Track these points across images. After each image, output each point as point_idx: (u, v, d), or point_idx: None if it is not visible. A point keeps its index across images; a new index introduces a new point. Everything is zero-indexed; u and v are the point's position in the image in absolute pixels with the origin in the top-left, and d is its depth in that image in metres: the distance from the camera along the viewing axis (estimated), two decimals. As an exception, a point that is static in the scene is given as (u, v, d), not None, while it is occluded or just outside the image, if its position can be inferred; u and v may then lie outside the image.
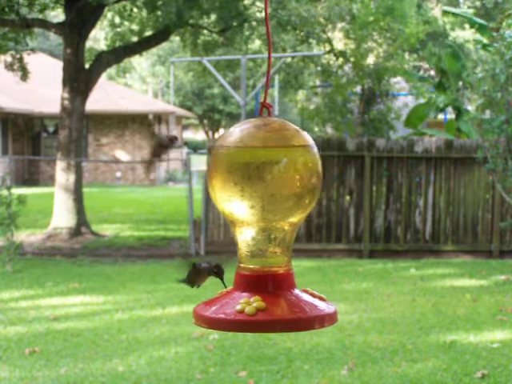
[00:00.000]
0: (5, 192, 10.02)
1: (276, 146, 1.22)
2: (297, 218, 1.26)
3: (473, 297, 8.23)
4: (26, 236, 13.05)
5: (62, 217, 12.95)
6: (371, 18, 15.50)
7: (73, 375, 5.51)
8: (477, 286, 8.97)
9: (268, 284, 1.27)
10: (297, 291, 1.29)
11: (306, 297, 1.29)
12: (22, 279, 9.48)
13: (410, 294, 8.44)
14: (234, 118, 34.12)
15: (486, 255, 11.40)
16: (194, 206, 12.01)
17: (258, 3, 14.67)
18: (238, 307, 1.23)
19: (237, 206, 1.24)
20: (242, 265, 1.29)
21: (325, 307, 1.27)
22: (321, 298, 1.31)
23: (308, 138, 1.26)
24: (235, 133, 1.25)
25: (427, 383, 5.32)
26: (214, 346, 6.21)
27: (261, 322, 1.21)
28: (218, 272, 1.42)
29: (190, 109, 33.75)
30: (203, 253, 11.48)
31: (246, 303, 1.23)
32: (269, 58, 1.32)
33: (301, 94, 21.57)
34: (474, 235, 11.50)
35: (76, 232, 12.91)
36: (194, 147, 33.40)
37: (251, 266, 1.28)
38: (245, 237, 1.27)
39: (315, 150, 1.26)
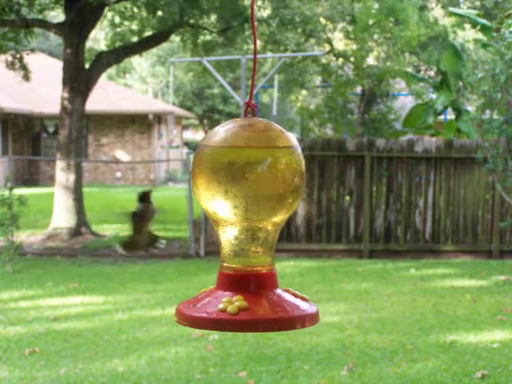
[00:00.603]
0: (6, 193, 10.03)
1: (260, 146, 1.24)
2: (280, 218, 1.28)
3: (473, 297, 8.24)
4: (26, 236, 13.06)
5: (62, 217, 12.95)
6: (371, 22, 15.51)
7: (73, 375, 5.51)
8: (477, 287, 8.97)
9: (250, 283, 1.28)
10: (279, 291, 1.30)
11: (288, 297, 1.30)
12: (21, 279, 9.48)
13: (410, 294, 8.44)
14: (233, 118, 34.08)
15: (485, 255, 11.40)
16: (193, 206, 12.01)
17: (258, 3, 14.67)
18: (221, 306, 1.23)
19: (220, 206, 1.25)
20: (224, 264, 1.30)
21: (307, 307, 1.28)
22: (303, 298, 1.32)
23: (292, 139, 1.27)
24: (220, 132, 1.26)
25: (427, 383, 5.32)
26: (214, 346, 6.21)
27: (243, 321, 1.22)
28: (142, 197, 1.43)
29: (189, 109, 33.76)
30: (203, 253, 11.47)
31: (229, 302, 1.23)
32: (254, 57, 1.33)
33: (302, 94, 21.57)
34: (473, 235, 11.50)
35: (76, 232, 12.91)
36: (194, 147, 33.41)
37: (234, 266, 1.29)
38: (228, 236, 1.28)
39: (299, 150, 1.28)
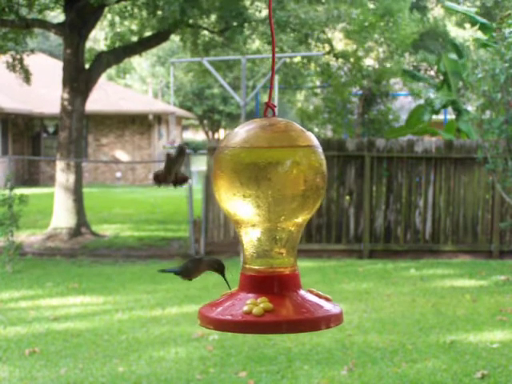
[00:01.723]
0: (7, 192, 10.03)
1: (282, 146, 1.23)
2: (302, 218, 1.27)
3: (473, 297, 8.23)
4: (26, 236, 13.05)
5: (62, 217, 12.95)
6: (367, 24, 15.52)
7: (73, 375, 5.51)
8: (477, 287, 8.97)
9: (274, 285, 1.27)
10: (302, 292, 1.30)
11: (311, 297, 1.30)
12: (21, 279, 9.48)
13: (409, 294, 8.44)
14: (233, 119, 34.14)
15: (485, 255, 11.40)
16: (194, 206, 12.01)
17: (257, 3, 14.66)
18: (245, 308, 1.22)
19: (242, 207, 1.23)
20: (247, 265, 1.28)
21: (331, 307, 1.28)
22: (326, 299, 1.31)
23: (313, 139, 1.26)
24: (240, 133, 1.25)
25: (427, 383, 5.32)
26: (214, 346, 6.21)
27: (269, 323, 1.21)
28: (219, 268, 1.41)
29: (189, 109, 33.76)
30: (203, 253, 11.47)
31: (253, 304, 1.22)
32: (273, 57, 1.32)
33: (300, 95, 21.57)
34: (473, 235, 11.50)
35: (76, 232, 12.91)
36: (194, 148, 33.40)
37: (256, 267, 1.28)
38: (250, 237, 1.27)
39: (320, 150, 1.27)
